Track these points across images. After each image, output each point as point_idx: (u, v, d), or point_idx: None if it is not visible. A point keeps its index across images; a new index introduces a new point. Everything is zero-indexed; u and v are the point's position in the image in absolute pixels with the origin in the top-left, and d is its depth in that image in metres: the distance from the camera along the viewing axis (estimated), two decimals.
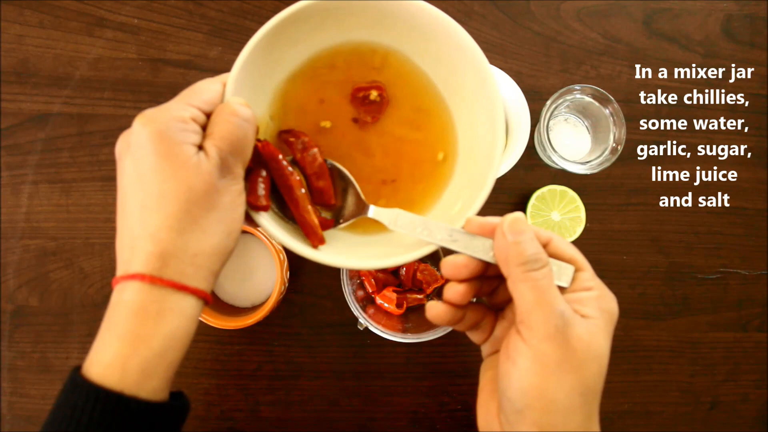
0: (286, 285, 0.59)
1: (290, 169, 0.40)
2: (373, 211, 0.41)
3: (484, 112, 0.41)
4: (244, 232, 0.57)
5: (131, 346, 0.33)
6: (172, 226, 0.33)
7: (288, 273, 0.59)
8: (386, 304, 0.58)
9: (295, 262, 0.62)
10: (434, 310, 0.38)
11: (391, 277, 0.61)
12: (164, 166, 0.33)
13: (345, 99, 0.44)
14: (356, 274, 0.60)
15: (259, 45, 0.39)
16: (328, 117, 0.44)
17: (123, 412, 0.32)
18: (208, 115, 0.37)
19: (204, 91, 0.37)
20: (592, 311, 0.35)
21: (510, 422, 0.35)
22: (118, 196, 0.35)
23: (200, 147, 0.35)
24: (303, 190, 0.41)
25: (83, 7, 0.63)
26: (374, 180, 0.44)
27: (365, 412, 0.62)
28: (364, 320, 0.55)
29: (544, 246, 0.36)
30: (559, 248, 0.37)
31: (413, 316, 0.60)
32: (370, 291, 0.60)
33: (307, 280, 0.62)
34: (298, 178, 0.41)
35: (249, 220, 0.39)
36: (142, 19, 0.63)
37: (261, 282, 0.60)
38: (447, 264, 0.37)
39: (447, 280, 0.38)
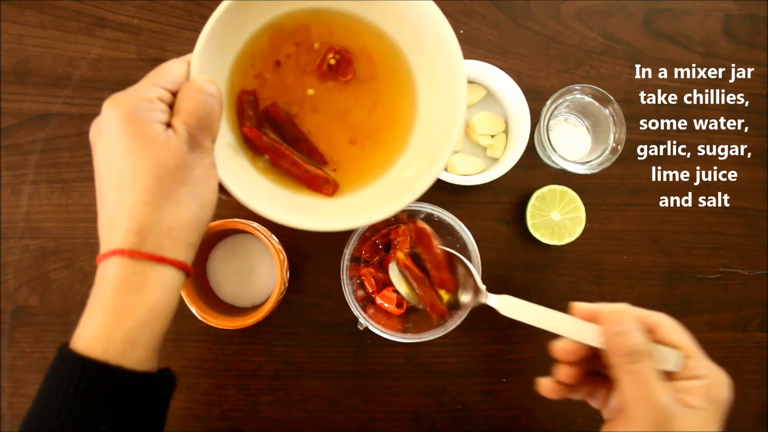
0: (286, 285, 0.59)
1: (275, 139, 0.44)
2: (495, 301, 0.45)
3: (445, 79, 0.42)
4: (244, 232, 0.57)
5: (115, 317, 0.34)
6: (146, 201, 0.34)
7: (288, 273, 0.59)
8: (386, 304, 0.58)
9: (295, 262, 0.62)
10: (545, 387, 0.40)
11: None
12: (134, 145, 0.34)
13: (304, 62, 0.45)
14: (356, 274, 0.60)
15: (218, 21, 0.40)
16: (288, 80, 0.45)
17: (108, 381, 0.33)
18: (175, 94, 0.38)
19: (169, 71, 0.38)
20: (700, 401, 0.35)
21: None
22: (96, 180, 0.37)
23: (169, 125, 0.36)
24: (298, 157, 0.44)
25: (83, 7, 0.63)
26: (342, 139, 0.46)
27: (365, 412, 0.62)
28: (364, 320, 0.55)
29: (653, 331, 0.37)
30: (667, 334, 0.37)
31: (413, 316, 0.60)
32: (370, 291, 0.60)
33: (307, 280, 0.62)
34: (285, 145, 0.44)
35: (223, 192, 0.40)
36: (142, 19, 0.63)
37: (261, 282, 0.60)
38: (557, 349, 0.39)
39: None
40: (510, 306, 0.43)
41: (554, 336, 0.41)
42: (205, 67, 0.40)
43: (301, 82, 0.45)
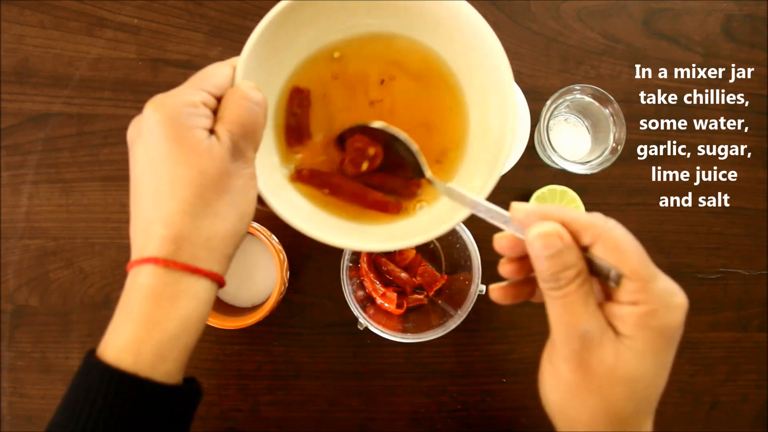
0: (286, 285, 0.59)
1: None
2: (430, 175, 0.41)
3: (495, 95, 0.41)
4: None
5: (146, 329, 0.33)
6: (185, 210, 0.33)
7: (288, 273, 0.59)
8: (386, 304, 0.58)
9: (295, 262, 0.62)
10: (495, 294, 0.37)
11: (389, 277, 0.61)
12: (176, 150, 0.33)
13: (358, 85, 0.44)
14: (356, 274, 0.60)
15: (268, 28, 0.39)
16: (339, 101, 0.45)
17: (137, 394, 0.32)
18: (218, 99, 0.36)
19: (214, 75, 0.37)
20: (630, 330, 0.31)
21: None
22: (131, 183, 0.35)
23: (211, 131, 0.35)
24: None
25: (83, 7, 0.63)
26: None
27: (365, 412, 0.62)
28: (364, 320, 0.55)
29: (592, 243, 0.32)
30: (605, 251, 0.32)
31: (413, 316, 0.60)
32: (370, 290, 0.60)
33: (307, 280, 0.62)
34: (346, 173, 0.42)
35: (261, 203, 0.39)
36: (142, 19, 0.63)
37: (261, 282, 0.60)
38: (497, 241, 0.35)
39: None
40: (450, 190, 0.39)
41: None
42: (251, 73, 0.39)
43: (351, 107, 0.45)
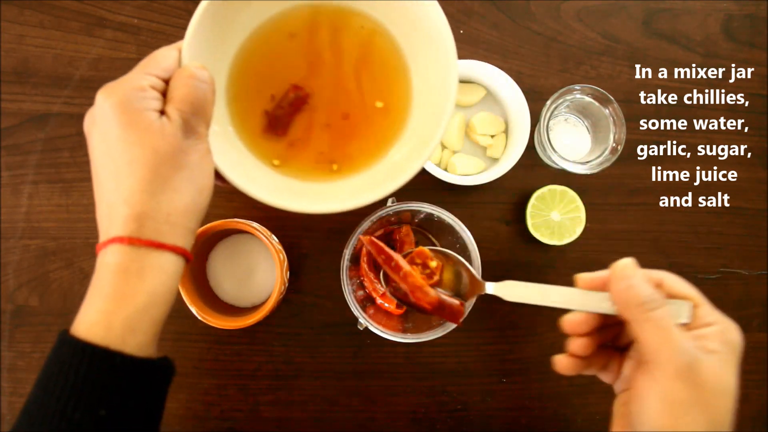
0: (286, 285, 0.59)
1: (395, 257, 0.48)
2: (493, 288, 0.45)
3: (439, 66, 0.43)
4: (244, 232, 0.57)
5: (115, 303, 0.34)
6: (144, 189, 0.35)
7: (288, 273, 0.59)
8: (386, 304, 0.58)
9: (295, 262, 0.62)
10: (561, 363, 0.40)
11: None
12: (129, 133, 0.35)
13: (301, 59, 0.47)
14: (356, 274, 0.60)
15: (208, 9, 0.41)
16: (284, 77, 0.47)
17: (108, 366, 0.33)
18: (167, 82, 0.38)
19: (161, 59, 0.38)
20: (718, 345, 0.35)
21: None
22: (92, 170, 0.37)
23: (163, 112, 0.36)
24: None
25: (83, 7, 0.63)
26: (339, 125, 0.47)
27: (365, 412, 0.62)
28: (364, 320, 0.55)
29: (658, 286, 0.37)
30: (672, 286, 0.38)
31: (413, 316, 0.60)
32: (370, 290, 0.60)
33: (307, 280, 0.62)
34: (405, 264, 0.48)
35: (219, 179, 0.40)
36: (142, 19, 0.63)
37: (261, 282, 0.60)
38: (567, 322, 0.40)
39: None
40: (511, 290, 0.42)
41: (559, 312, 0.41)
42: (197, 54, 0.40)
43: (297, 75, 0.47)
